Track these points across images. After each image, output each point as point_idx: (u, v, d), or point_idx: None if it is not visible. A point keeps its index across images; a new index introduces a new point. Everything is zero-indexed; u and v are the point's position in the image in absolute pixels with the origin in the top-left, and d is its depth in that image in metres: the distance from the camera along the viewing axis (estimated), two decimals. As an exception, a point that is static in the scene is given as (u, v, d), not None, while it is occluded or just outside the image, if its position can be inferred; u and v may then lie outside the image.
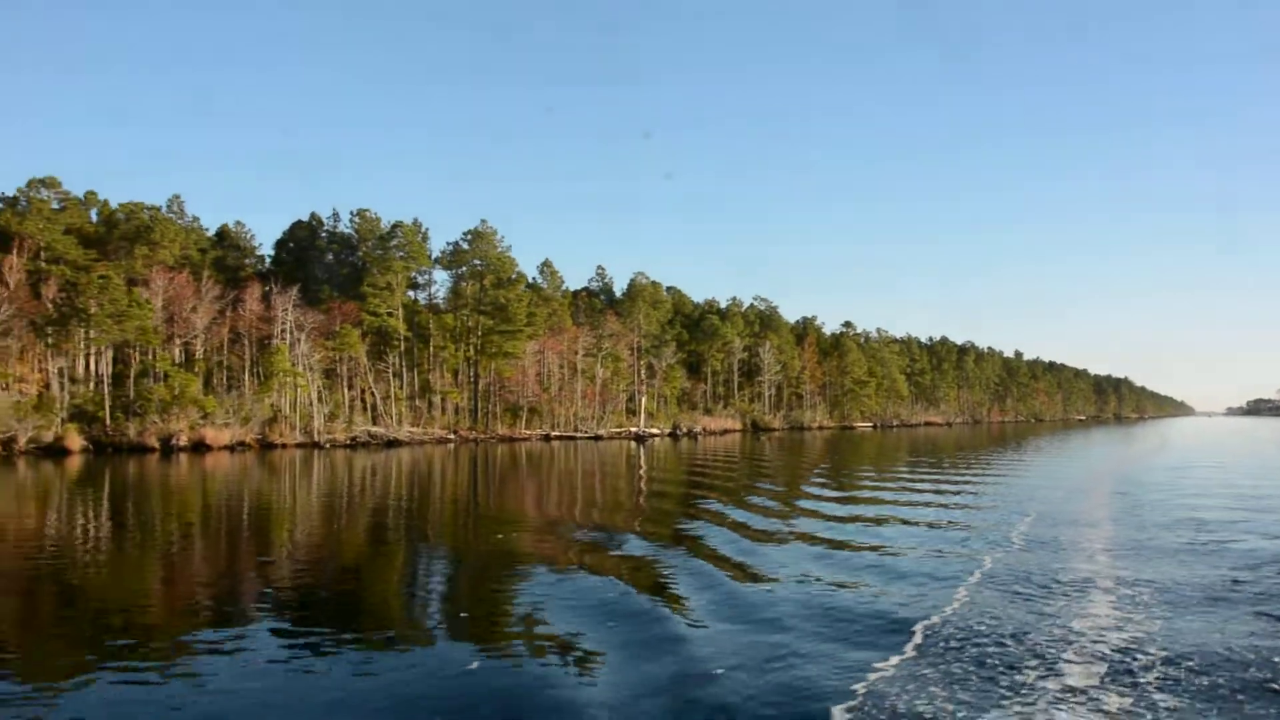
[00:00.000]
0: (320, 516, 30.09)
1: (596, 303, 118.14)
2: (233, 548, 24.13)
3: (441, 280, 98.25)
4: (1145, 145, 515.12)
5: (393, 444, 76.92)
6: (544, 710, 10.31)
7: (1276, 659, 11.75)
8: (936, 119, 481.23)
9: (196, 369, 73.31)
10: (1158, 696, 10.31)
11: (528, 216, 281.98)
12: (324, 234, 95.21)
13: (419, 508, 33.72)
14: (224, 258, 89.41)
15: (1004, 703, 10.03)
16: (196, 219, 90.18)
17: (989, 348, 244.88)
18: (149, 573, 20.19)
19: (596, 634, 13.44)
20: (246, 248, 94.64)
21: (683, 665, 11.74)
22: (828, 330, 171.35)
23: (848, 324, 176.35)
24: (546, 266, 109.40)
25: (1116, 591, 16.03)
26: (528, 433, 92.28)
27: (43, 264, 73.17)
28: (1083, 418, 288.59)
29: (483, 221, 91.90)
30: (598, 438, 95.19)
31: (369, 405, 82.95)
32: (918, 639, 12.76)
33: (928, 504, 31.66)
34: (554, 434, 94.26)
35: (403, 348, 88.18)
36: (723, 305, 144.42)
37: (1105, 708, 9.91)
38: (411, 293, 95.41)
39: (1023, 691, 10.37)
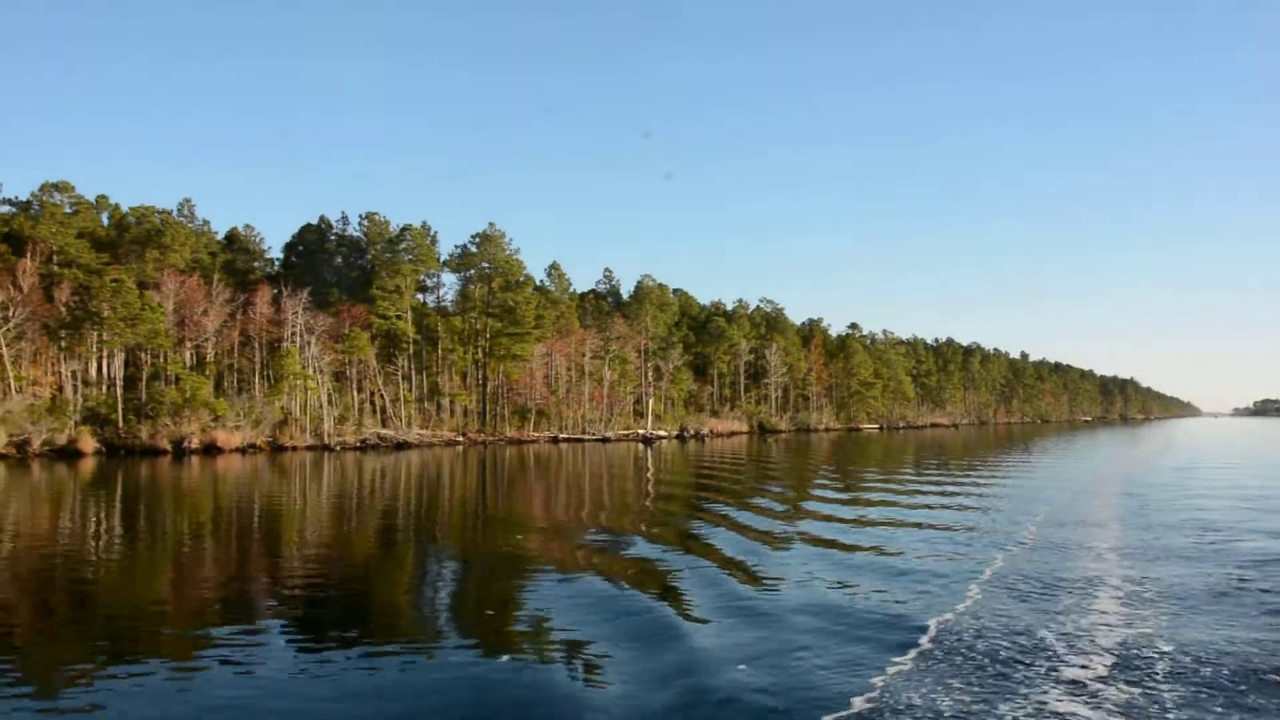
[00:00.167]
0: (331, 518, 30.34)
1: (604, 305, 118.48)
2: (244, 549, 24.36)
3: (450, 283, 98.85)
4: (1147, 138, 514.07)
5: (402, 446, 77.29)
6: (553, 712, 10.42)
7: (1281, 654, 12.09)
8: (939, 111, 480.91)
9: (208, 372, 73.78)
10: (1164, 688, 10.63)
11: (527, 215, 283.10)
12: (333, 237, 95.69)
13: (428, 510, 33.98)
14: (233, 261, 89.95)
15: (1014, 701, 10.23)
16: (207, 222, 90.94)
17: (995, 349, 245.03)
18: (161, 574, 20.45)
19: (605, 636, 13.56)
20: (256, 251, 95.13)
21: (691, 667, 11.82)
22: (834, 332, 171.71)
23: (854, 326, 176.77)
24: (554, 269, 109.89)
25: (1124, 590, 16.29)
26: (536, 435, 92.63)
27: (55, 267, 73.70)
28: (1089, 419, 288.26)
29: (491, 224, 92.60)
30: (605, 440, 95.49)
31: (378, 408, 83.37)
32: (927, 640, 12.91)
33: (935, 506, 31.82)
34: (562, 436, 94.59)
35: (411, 350, 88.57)
36: (729, 307, 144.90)
37: (1114, 704, 10.14)
38: (420, 295, 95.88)
39: (1032, 692, 10.54)
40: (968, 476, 46.26)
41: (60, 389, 65.98)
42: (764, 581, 17.74)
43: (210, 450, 64.55)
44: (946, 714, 9.86)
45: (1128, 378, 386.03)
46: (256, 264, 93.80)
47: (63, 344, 66.08)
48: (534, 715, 10.39)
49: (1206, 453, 74.15)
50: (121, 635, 14.50)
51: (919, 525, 26.32)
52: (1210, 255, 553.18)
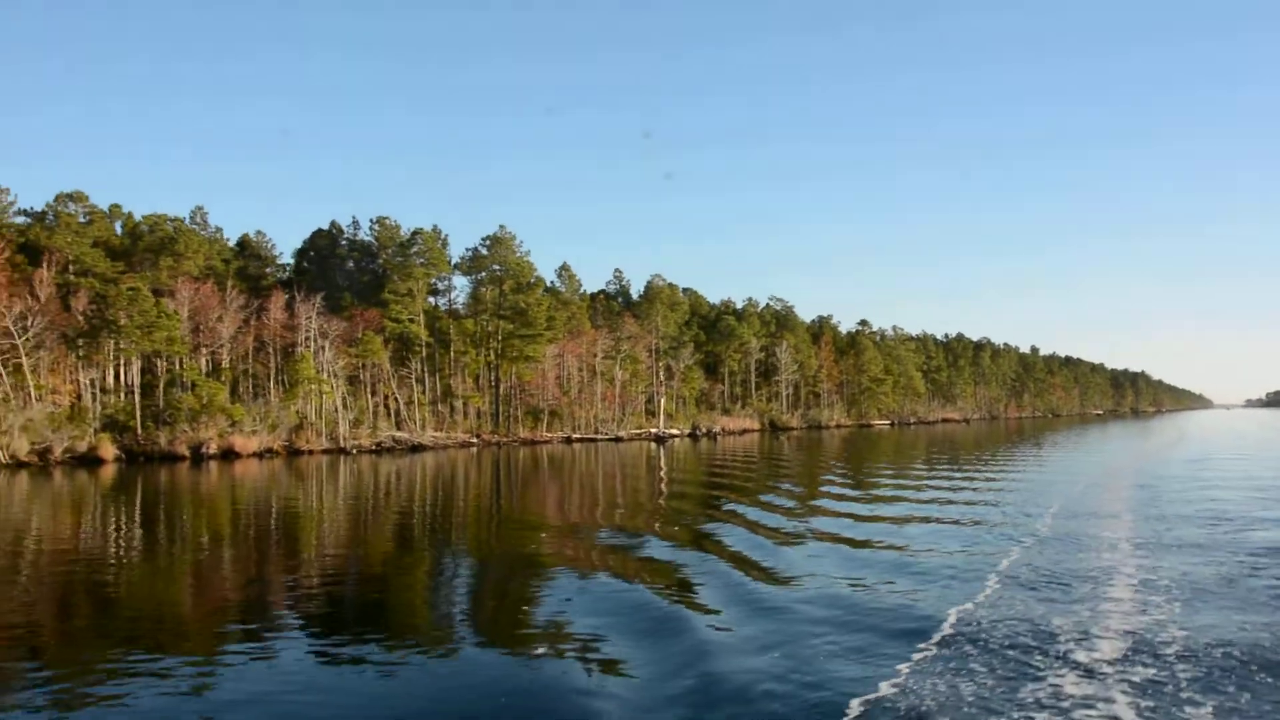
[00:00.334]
0: (347, 521, 30.70)
1: (614, 305, 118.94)
2: (263, 552, 24.69)
3: (461, 286, 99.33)
4: (1152, 129, 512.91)
5: (417, 449, 77.80)
6: (571, 708, 10.53)
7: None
8: (940, 103, 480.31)
9: (223, 378, 74.35)
10: (1179, 669, 11.06)
11: (529, 215, 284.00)
12: (344, 242, 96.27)
13: (444, 511, 34.33)
14: (245, 267, 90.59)
15: (1032, 690, 10.48)
16: (219, 229, 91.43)
17: (1005, 344, 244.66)
18: (182, 577, 20.80)
19: (621, 633, 13.74)
20: (267, 257, 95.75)
21: (705, 665, 11.93)
22: (844, 329, 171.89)
23: (863, 323, 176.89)
24: (564, 270, 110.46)
25: (1139, 580, 16.63)
26: (549, 435, 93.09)
27: (71, 277, 74.38)
28: (1100, 412, 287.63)
29: (501, 227, 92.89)
30: (618, 439, 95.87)
31: (393, 411, 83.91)
32: (945, 631, 13.12)
33: (948, 500, 32.05)
34: (575, 436, 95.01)
35: (424, 353, 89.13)
36: (739, 306, 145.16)
37: (1130, 691, 10.45)
38: (431, 299, 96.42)
39: (1050, 681, 10.76)
40: (980, 471, 46.54)
41: (79, 397, 66.61)
42: (778, 577, 17.90)
43: (228, 455, 65.05)
44: (965, 703, 10.10)
45: (1139, 371, 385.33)
46: (268, 270, 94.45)
47: (80, 352, 66.73)
48: (552, 711, 10.49)
49: (1218, 444, 74.26)
50: (144, 636, 14.74)
51: (932, 520, 26.54)
52: (1220, 244, 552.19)
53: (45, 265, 71.33)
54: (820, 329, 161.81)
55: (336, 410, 75.32)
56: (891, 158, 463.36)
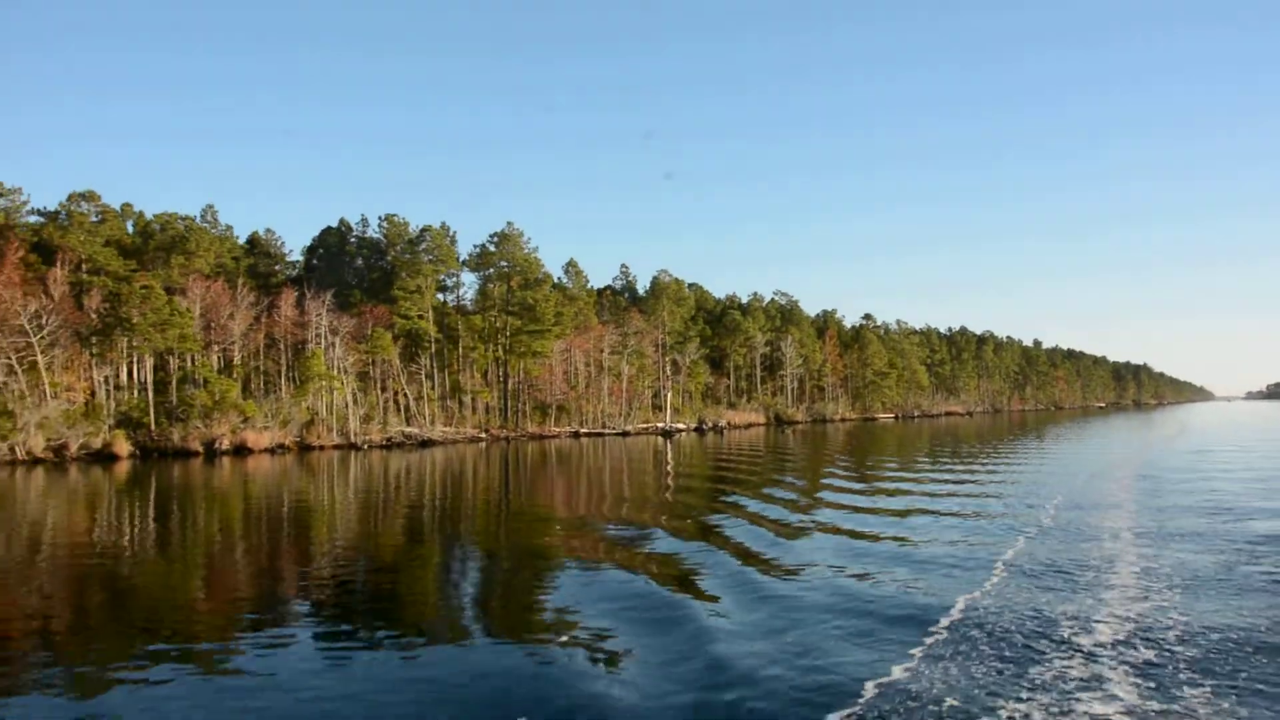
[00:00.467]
0: (358, 516, 30.94)
1: (621, 300, 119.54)
2: (274, 546, 24.97)
3: (469, 282, 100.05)
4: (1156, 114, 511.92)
5: (427, 444, 78.43)
6: (579, 699, 10.66)
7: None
8: (940, 90, 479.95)
9: (235, 374, 75.09)
10: (1178, 651, 11.69)
11: (533, 212, 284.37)
12: (353, 239, 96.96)
13: (453, 506, 34.52)
14: (255, 265, 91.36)
15: (1037, 679, 10.80)
16: (230, 228, 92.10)
17: (1008, 337, 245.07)
18: (196, 570, 21.08)
19: (628, 625, 13.91)
20: (277, 254, 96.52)
21: (710, 656, 12.08)
22: (848, 323, 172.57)
23: (868, 317, 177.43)
24: (571, 266, 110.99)
25: (1141, 568, 17.17)
26: (557, 430, 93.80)
27: (84, 275, 75.14)
28: (1102, 405, 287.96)
29: (509, 224, 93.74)
30: (625, 434, 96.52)
31: (402, 406, 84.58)
32: (951, 621, 13.46)
33: (952, 493, 32.32)
34: (582, 431, 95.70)
35: (433, 349, 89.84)
36: (744, 300, 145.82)
37: (1133, 678, 10.96)
38: (440, 295, 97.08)
39: (1054, 670, 11.08)
40: (983, 463, 46.93)
41: (93, 394, 67.31)
42: (784, 570, 18.06)
43: (240, 451, 65.71)
44: (971, 692, 10.45)
45: (1141, 363, 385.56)
46: (278, 267, 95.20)
47: (94, 350, 67.42)
48: (560, 703, 10.59)
49: (1219, 436, 74.69)
50: (159, 629, 14.99)
51: (937, 512, 26.78)
52: (1222, 235, 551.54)
53: (59, 264, 72.10)
54: (825, 323, 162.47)
55: (347, 406, 76.00)
56: (892, 153, 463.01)
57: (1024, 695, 10.24)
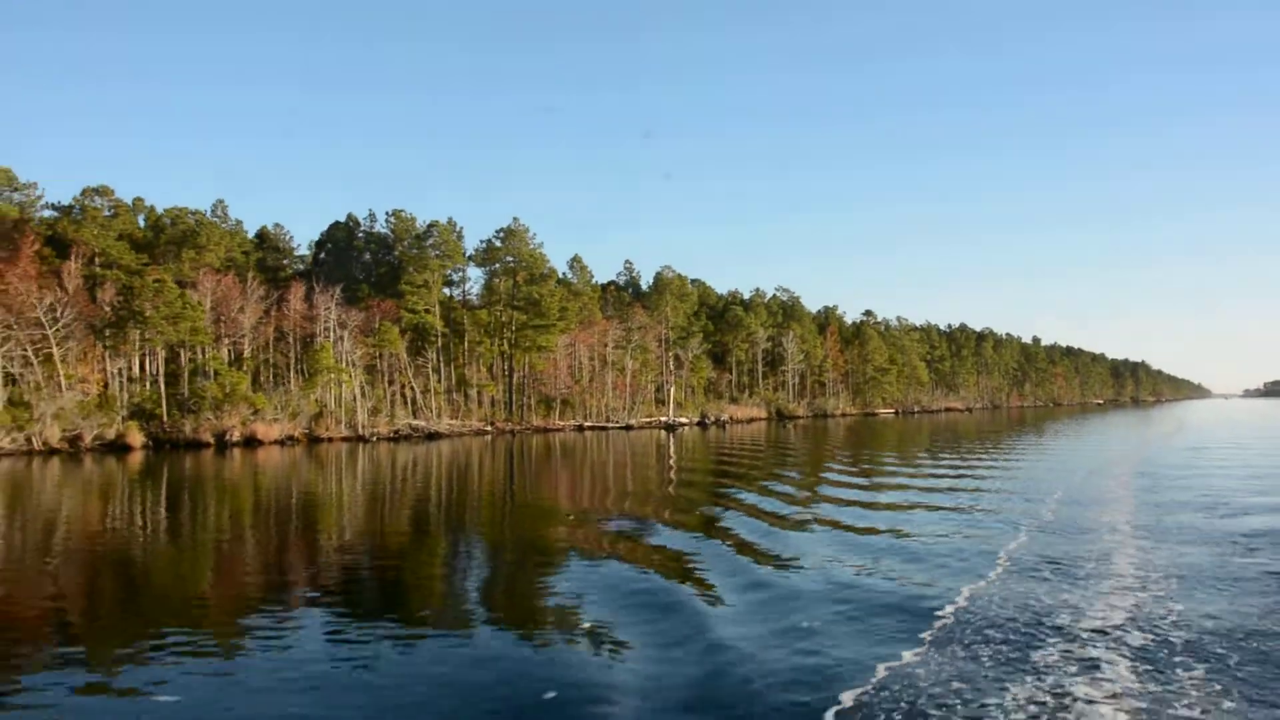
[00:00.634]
0: (366, 507, 31.31)
1: (624, 296, 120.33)
2: (284, 537, 25.29)
3: (475, 277, 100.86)
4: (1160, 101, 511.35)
5: (433, 436, 79.27)
6: (581, 691, 10.79)
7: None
8: (941, 82, 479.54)
9: (245, 367, 75.93)
10: (1174, 635, 12.45)
11: (537, 207, 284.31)
12: (361, 234, 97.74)
13: (459, 498, 34.87)
14: (264, 259, 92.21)
15: (1033, 674, 10.97)
16: (239, 222, 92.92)
17: (1007, 334, 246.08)
18: (207, 560, 21.31)
19: (630, 618, 14.03)
20: (285, 249, 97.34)
21: (710, 650, 12.21)
22: (849, 319, 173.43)
23: (868, 313, 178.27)
24: (576, 262, 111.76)
25: (1139, 562, 17.78)
26: (561, 424, 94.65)
27: (98, 269, 75.96)
28: (1100, 401, 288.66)
29: (515, 219, 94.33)
30: (629, 427, 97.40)
31: (409, 399, 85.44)
32: (949, 616, 13.59)
33: (953, 488, 32.52)
34: (587, 425, 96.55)
35: (440, 343, 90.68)
36: (746, 296, 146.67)
37: (1130, 672, 11.53)
38: (446, 290, 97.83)
39: (1052, 665, 11.28)
40: (983, 459, 47.35)
41: (106, 386, 68.18)
42: (784, 564, 18.18)
43: (251, 443, 66.57)
44: (979, 673, 10.86)
45: (1139, 361, 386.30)
46: (286, 261, 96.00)
47: (108, 342, 68.27)
48: (562, 695, 10.70)
49: (1216, 433, 75.23)
50: (170, 616, 15.27)
51: (936, 507, 26.92)
52: (1221, 231, 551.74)
53: (73, 257, 72.97)
54: (826, 319, 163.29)
55: (355, 399, 76.88)
56: (894, 147, 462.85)
57: (1028, 678, 10.76)
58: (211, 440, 65.74)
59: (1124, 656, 11.57)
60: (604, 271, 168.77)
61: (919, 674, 11.00)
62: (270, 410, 70.41)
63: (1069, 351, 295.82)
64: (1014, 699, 10.15)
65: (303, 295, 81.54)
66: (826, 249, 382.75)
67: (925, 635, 12.66)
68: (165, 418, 66.88)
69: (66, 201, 79.36)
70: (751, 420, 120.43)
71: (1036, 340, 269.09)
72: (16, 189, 78.28)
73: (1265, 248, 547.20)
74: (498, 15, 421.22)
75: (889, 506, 27.62)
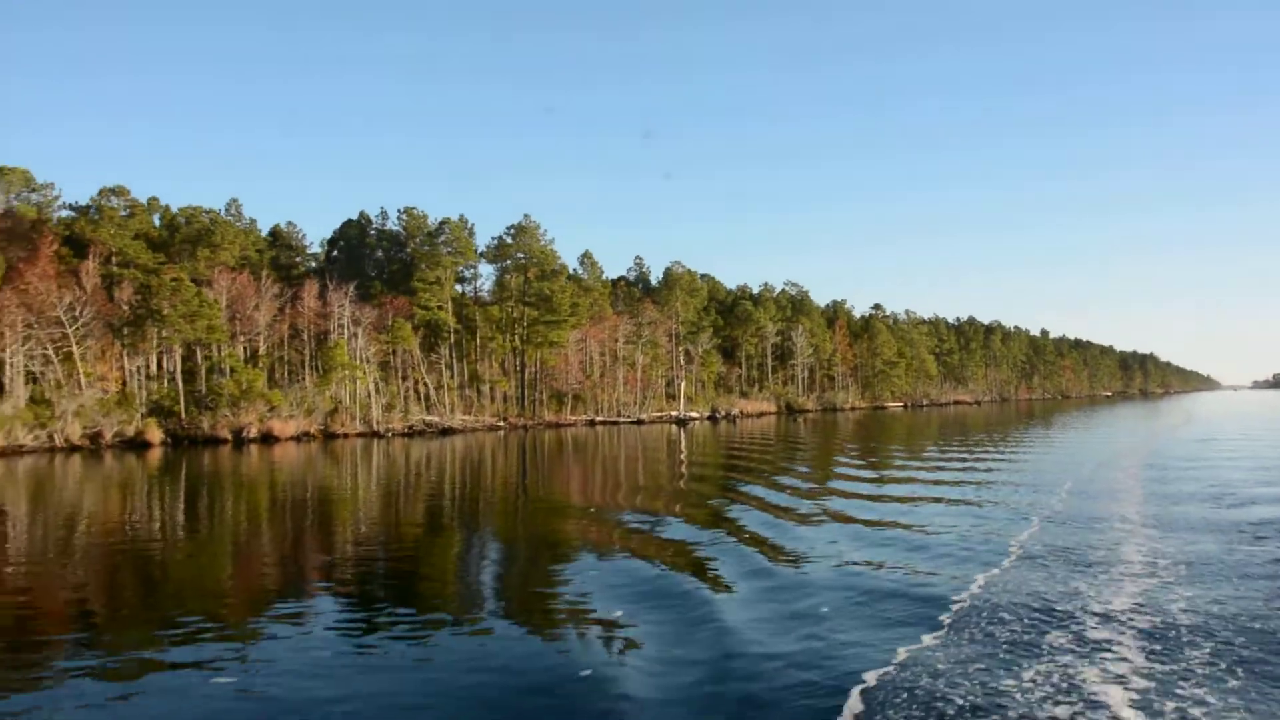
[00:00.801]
0: (380, 502, 31.64)
1: (634, 291, 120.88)
2: (300, 532, 25.64)
3: (487, 274, 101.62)
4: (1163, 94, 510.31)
5: (447, 432, 79.90)
6: (592, 685, 10.85)
7: None
8: (941, 80, 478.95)
9: (260, 364, 76.67)
10: (1181, 619, 12.96)
11: (541, 204, 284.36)
12: (373, 231, 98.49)
13: (472, 493, 35.10)
14: (277, 257, 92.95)
15: (1044, 664, 11.14)
16: (254, 220, 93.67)
17: (1015, 326, 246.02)
18: (224, 555, 21.76)
19: (641, 612, 14.14)
20: (298, 247, 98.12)
21: (721, 643, 12.29)
22: (857, 313, 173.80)
23: (877, 307, 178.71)
24: (586, 258, 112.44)
25: (1148, 552, 18.20)
26: (573, 419, 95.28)
27: (115, 268, 76.76)
28: (1109, 394, 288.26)
29: (526, 216, 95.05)
30: (640, 422, 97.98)
31: (423, 395, 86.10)
32: (961, 608, 13.74)
33: (962, 481, 32.82)
34: (598, 419, 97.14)
35: (452, 339, 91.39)
36: (755, 291, 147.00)
37: (1141, 663, 11.97)
38: (459, 286, 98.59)
39: (1062, 655, 11.43)
40: (992, 452, 47.68)
41: (125, 383, 68.91)
42: (794, 558, 18.31)
43: (267, 439, 67.21)
44: (986, 667, 10.97)
45: (1147, 353, 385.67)
46: (299, 259, 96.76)
47: (126, 341, 69.03)
48: (575, 688, 10.78)
49: (1225, 425, 75.38)
50: (188, 609, 15.48)
51: (946, 500, 27.18)
52: (1228, 223, 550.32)
53: (90, 257, 73.75)
54: (835, 313, 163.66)
55: (369, 395, 77.60)
56: (896, 139, 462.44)
57: (1042, 659, 11.21)
58: (229, 437, 66.45)
59: (1133, 639, 12.04)
60: (614, 267, 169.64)
61: (938, 656, 11.41)
62: (286, 407, 71.14)
63: (1077, 344, 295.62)
64: (1030, 678, 10.63)
65: (316, 292, 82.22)
66: (834, 243, 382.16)
67: (943, 619, 13.13)
68: (183, 415, 67.65)
69: (84, 202, 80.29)
70: (761, 414, 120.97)
71: (1045, 333, 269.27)
72: (34, 189, 79.11)
73: (1273, 239, 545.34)
74: (498, 15, 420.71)
75: (900, 499, 27.88)
